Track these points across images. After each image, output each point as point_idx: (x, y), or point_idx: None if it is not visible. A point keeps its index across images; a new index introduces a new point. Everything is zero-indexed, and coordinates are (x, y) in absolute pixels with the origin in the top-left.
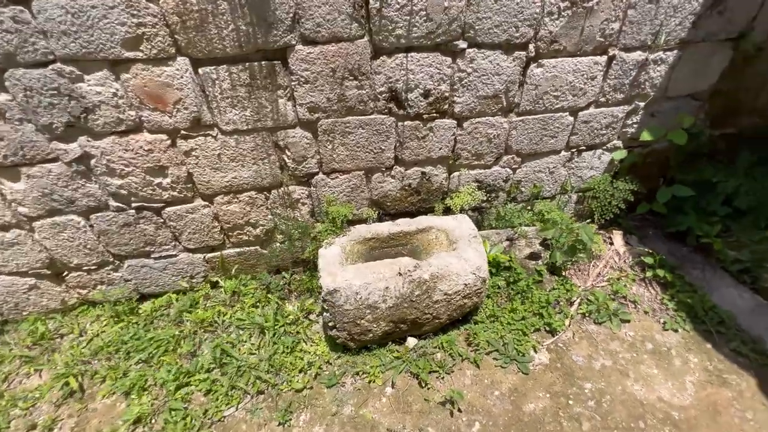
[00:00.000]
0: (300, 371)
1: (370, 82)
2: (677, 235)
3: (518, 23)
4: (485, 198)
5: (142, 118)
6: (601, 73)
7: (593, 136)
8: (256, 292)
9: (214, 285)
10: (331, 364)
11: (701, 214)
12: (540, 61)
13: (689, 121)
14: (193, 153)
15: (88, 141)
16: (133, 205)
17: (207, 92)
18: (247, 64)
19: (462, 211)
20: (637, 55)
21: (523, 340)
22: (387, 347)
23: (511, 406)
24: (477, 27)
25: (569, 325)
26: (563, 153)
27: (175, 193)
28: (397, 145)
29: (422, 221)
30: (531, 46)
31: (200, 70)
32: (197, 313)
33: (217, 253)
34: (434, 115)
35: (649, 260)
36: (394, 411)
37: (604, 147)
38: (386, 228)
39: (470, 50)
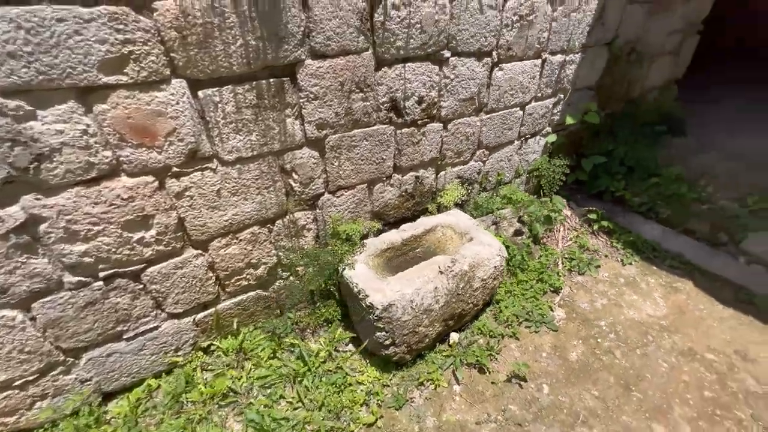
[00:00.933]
0: (362, 404)
1: (374, 94)
2: (597, 195)
3: (486, 34)
4: (466, 191)
5: (122, 158)
6: (539, 73)
7: (534, 126)
8: (265, 342)
9: (207, 350)
10: (389, 385)
11: (609, 175)
12: (500, 65)
13: (593, 106)
14: (187, 193)
15: (38, 200)
16: (102, 274)
17: (207, 118)
18: (254, 82)
19: (453, 206)
20: (559, 58)
21: (540, 303)
22: (435, 350)
23: (560, 360)
24: (458, 38)
25: (564, 282)
26: (516, 142)
27: (160, 248)
28: (396, 153)
29: (426, 222)
30: (494, 53)
31: (200, 93)
32: (201, 390)
33: (211, 310)
34: (426, 120)
35: (593, 216)
36: (472, 404)
37: (541, 134)
38: (398, 236)
39: (453, 59)
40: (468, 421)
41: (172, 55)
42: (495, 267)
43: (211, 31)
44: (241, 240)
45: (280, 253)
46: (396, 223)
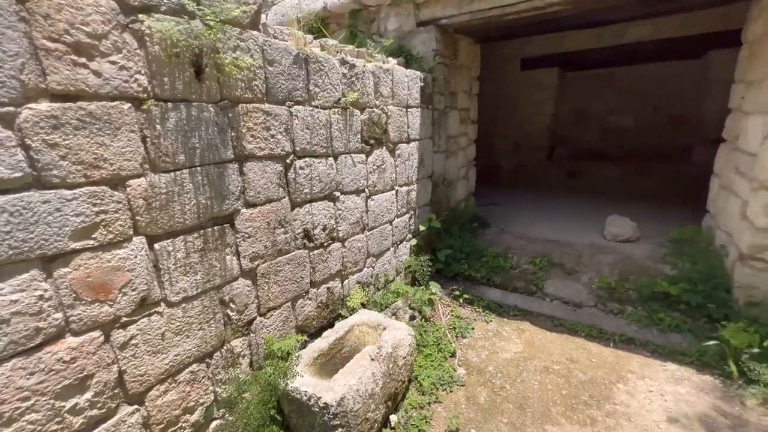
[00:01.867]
0: None
1: (291, 227)
2: (453, 277)
3: (360, 178)
4: (366, 293)
5: (72, 318)
6: (395, 199)
7: (401, 235)
8: None
9: None
10: None
11: (456, 261)
12: (372, 197)
13: (433, 216)
14: (132, 342)
15: None
16: None
17: (160, 266)
18: (201, 231)
19: (360, 307)
20: (405, 188)
21: (446, 368)
22: None
23: (474, 406)
24: (344, 182)
25: (456, 346)
26: (391, 249)
27: (93, 412)
28: (311, 271)
29: (343, 325)
30: (367, 190)
31: (156, 245)
32: None
33: None
34: (330, 242)
35: (457, 293)
36: None
37: (406, 240)
38: (324, 343)
39: (342, 196)
40: None
41: (137, 218)
42: (410, 345)
43: (172, 196)
44: (180, 382)
45: (218, 389)
46: (317, 333)
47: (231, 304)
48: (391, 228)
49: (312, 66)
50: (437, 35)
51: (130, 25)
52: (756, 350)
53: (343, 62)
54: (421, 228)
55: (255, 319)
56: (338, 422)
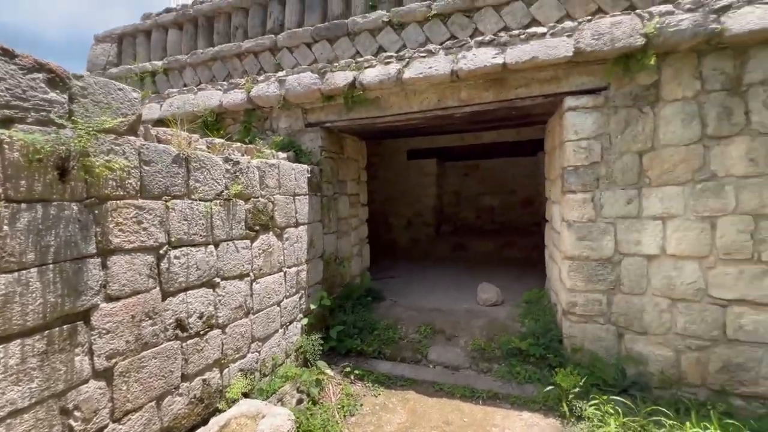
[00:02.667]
0: None
1: (161, 318)
2: (346, 354)
3: (244, 263)
4: (249, 381)
5: None
6: (284, 281)
7: (290, 316)
8: None
9: None
10: None
11: (349, 337)
12: (257, 280)
13: (324, 294)
14: None
15: None
16: None
17: None
18: (46, 332)
19: (241, 397)
20: (294, 269)
21: None
22: None
23: None
24: (225, 268)
25: (343, 426)
26: (280, 330)
27: None
28: (183, 363)
29: (218, 421)
30: (251, 274)
31: None
32: None
33: None
34: (207, 329)
35: (348, 369)
36: None
37: (297, 320)
38: None
39: (223, 282)
40: None
41: None
42: (288, 429)
43: (12, 297)
44: None
45: None
46: None
47: (76, 412)
48: (279, 309)
49: (193, 164)
50: (323, 134)
51: None
52: (578, 389)
53: (227, 160)
54: (313, 306)
55: (107, 426)
56: None
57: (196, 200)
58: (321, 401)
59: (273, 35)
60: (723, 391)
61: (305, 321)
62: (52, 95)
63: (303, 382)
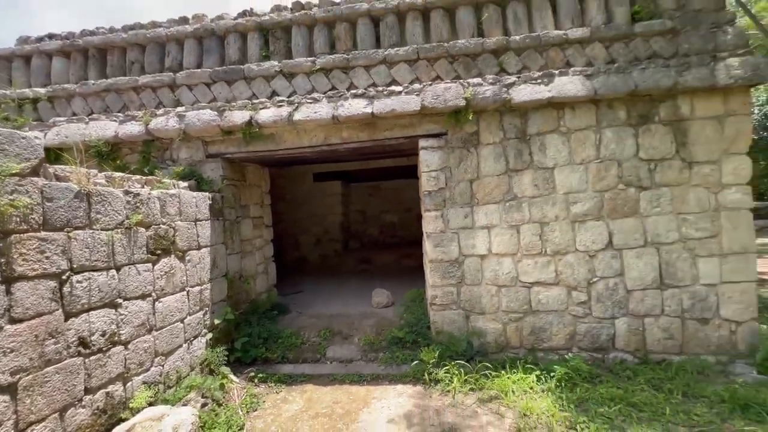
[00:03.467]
0: None
1: (64, 337)
2: (252, 362)
3: (146, 284)
4: (153, 392)
5: None
6: (187, 299)
7: (194, 331)
8: None
9: None
10: None
11: (255, 347)
12: (160, 299)
13: (229, 310)
14: None
15: None
16: None
17: None
18: None
19: (146, 406)
20: (197, 288)
21: None
22: None
23: None
24: (127, 289)
25: (246, 420)
26: (184, 345)
27: None
28: (86, 377)
29: (123, 427)
30: (154, 293)
31: None
32: None
33: None
34: (110, 346)
35: (252, 374)
36: None
37: (201, 335)
38: None
39: (125, 303)
40: None
41: None
42: (192, 423)
43: None
44: None
45: None
46: None
47: None
48: (182, 326)
49: (94, 198)
50: (224, 164)
51: None
52: (434, 361)
53: (127, 192)
54: (217, 322)
55: None
56: None
57: (97, 230)
58: (226, 403)
59: (172, 73)
60: (533, 349)
61: (210, 336)
62: None
63: (207, 389)
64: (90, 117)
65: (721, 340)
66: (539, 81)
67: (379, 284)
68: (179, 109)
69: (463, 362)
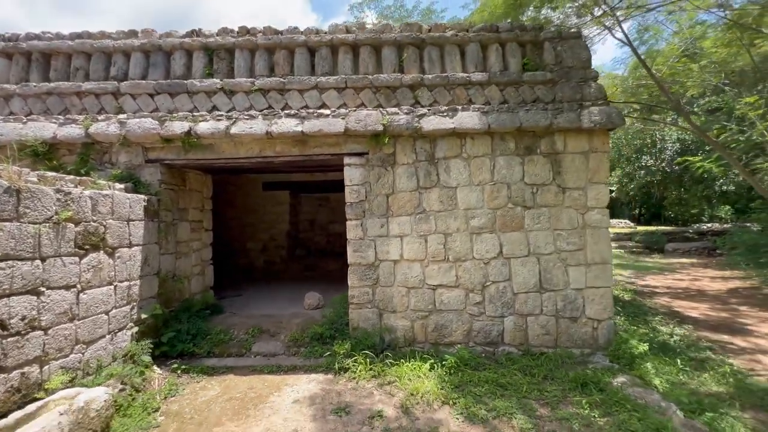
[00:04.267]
0: None
1: None
2: (179, 355)
3: (71, 275)
4: (70, 377)
5: None
6: (114, 293)
7: (119, 324)
8: None
9: None
10: None
11: (182, 342)
12: (85, 291)
13: (158, 307)
14: None
15: None
16: None
17: None
18: None
19: (62, 388)
20: (126, 283)
21: (148, 419)
22: None
23: None
24: (51, 279)
25: (162, 404)
26: (107, 336)
27: None
28: (2, 356)
29: (36, 405)
30: (79, 285)
31: None
32: None
33: None
34: (29, 330)
35: (175, 366)
36: None
37: (127, 328)
38: (10, 420)
39: (48, 291)
40: None
41: None
42: (105, 401)
43: None
44: None
45: None
46: (4, 416)
47: None
48: (107, 317)
49: (24, 194)
50: (162, 170)
51: None
52: (345, 352)
53: (58, 190)
54: (144, 316)
55: None
56: None
57: (25, 223)
58: (144, 390)
59: (116, 81)
60: (436, 343)
61: (136, 329)
62: None
63: (126, 376)
64: (29, 117)
65: (586, 336)
66: (445, 114)
67: (320, 289)
68: (121, 116)
69: (370, 354)
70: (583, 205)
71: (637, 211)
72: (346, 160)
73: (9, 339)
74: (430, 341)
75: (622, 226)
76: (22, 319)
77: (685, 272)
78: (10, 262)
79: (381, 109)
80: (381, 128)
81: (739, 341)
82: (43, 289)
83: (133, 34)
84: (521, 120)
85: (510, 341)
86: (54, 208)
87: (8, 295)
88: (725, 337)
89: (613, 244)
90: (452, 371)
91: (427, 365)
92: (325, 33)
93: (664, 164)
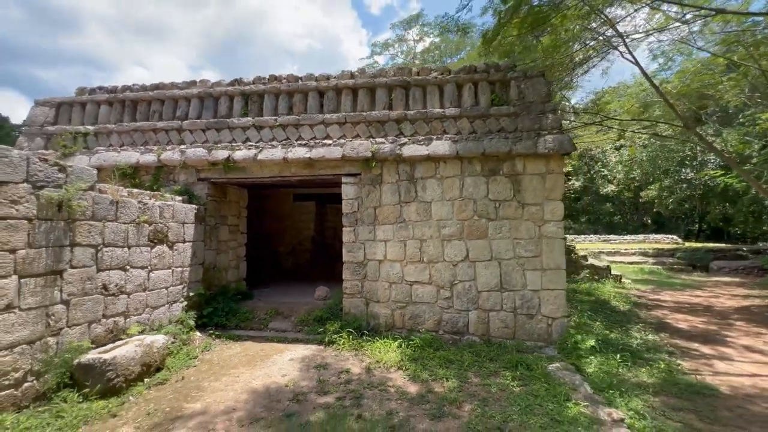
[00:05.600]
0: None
1: (95, 281)
2: (215, 326)
3: (145, 261)
4: (142, 329)
5: None
6: (171, 275)
7: (175, 297)
8: None
9: None
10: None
11: (218, 316)
12: (153, 271)
13: (202, 289)
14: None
15: None
16: None
17: (22, 290)
18: (43, 277)
19: (137, 335)
20: (180, 269)
21: (190, 361)
22: (143, 384)
23: (200, 372)
24: (133, 261)
25: (199, 355)
26: (166, 305)
27: None
28: (104, 308)
29: (122, 341)
30: (149, 266)
31: (22, 281)
32: None
33: None
34: (120, 293)
35: (211, 331)
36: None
37: (179, 301)
38: (108, 348)
39: (131, 269)
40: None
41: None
42: (163, 341)
43: (37, 257)
44: (15, 353)
45: (34, 363)
46: (105, 345)
47: (51, 317)
48: (167, 292)
49: (120, 204)
50: (209, 186)
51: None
52: (333, 330)
53: (140, 202)
54: (191, 294)
55: (63, 328)
56: (111, 368)
57: (120, 223)
58: (188, 344)
59: (179, 121)
60: (412, 329)
61: (185, 303)
62: (60, 175)
63: (177, 333)
64: (122, 148)
65: (541, 331)
66: (423, 143)
67: (334, 286)
68: (182, 146)
69: (355, 333)
70: (540, 219)
71: (696, 227)
72: (343, 179)
73: (108, 297)
74: (407, 327)
75: (667, 241)
76: (116, 286)
77: (710, 290)
78: (110, 248)
79: (372, 139)
80: (370, 154)
81: (706, 349)
82: (128, 267)
83: (193, 83)
84: (485, 147)
85: (474, 332)
86: (136, 213)
87: (109, 269)
88: (695, 345)
89: (650, 261)
90: (415, 349)
91: (396, 343)
92: (333, 78)
93: (706, 177)
